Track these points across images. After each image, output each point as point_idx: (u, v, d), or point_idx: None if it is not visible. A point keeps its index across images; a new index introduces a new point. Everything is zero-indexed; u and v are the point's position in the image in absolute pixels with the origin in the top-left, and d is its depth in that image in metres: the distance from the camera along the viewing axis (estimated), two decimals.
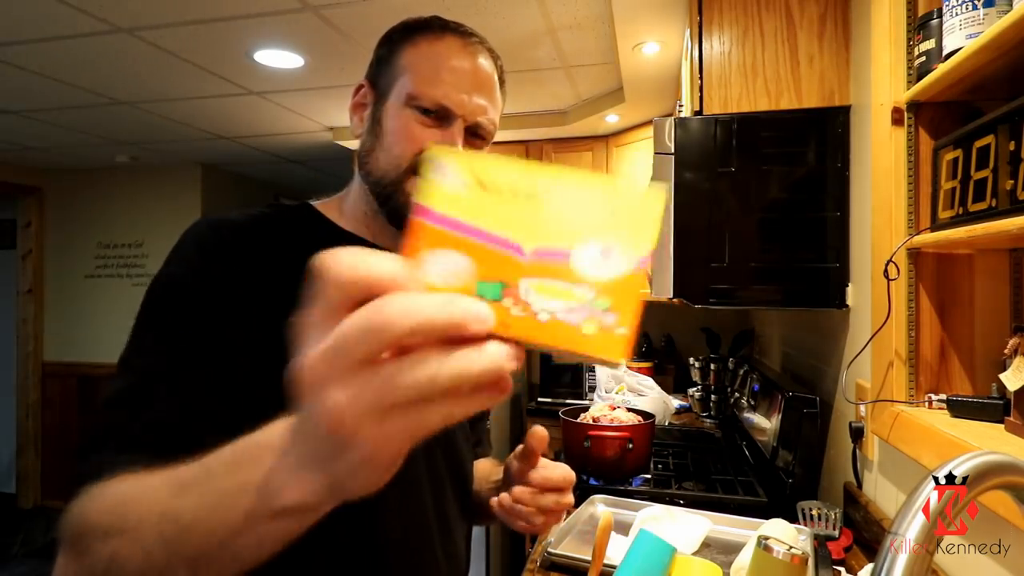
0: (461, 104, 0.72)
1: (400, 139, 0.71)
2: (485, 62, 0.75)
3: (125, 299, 4.12)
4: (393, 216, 0.74)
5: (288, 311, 0.65)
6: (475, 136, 0.75)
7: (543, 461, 0.73)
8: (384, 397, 0.28)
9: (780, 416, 1.58)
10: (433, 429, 0.30)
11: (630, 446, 1.63)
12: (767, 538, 0.92)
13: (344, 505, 0.35)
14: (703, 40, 1.51)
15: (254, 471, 0.34)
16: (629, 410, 1.80)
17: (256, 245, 0.68)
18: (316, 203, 0.79)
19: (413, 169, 0.71)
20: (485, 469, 0.93)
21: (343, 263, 0.29)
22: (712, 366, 2.67)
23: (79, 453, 0.57)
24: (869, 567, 1.01)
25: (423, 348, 0.28)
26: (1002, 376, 0.86)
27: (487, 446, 1.01)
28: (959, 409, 0.95)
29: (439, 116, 0.72)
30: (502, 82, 0.79)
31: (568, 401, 2.90)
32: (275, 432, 0.34)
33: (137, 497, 0.43)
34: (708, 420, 2.59)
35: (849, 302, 1.39)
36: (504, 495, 0.72)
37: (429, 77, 0.71)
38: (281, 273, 0.67)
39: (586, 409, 1.82)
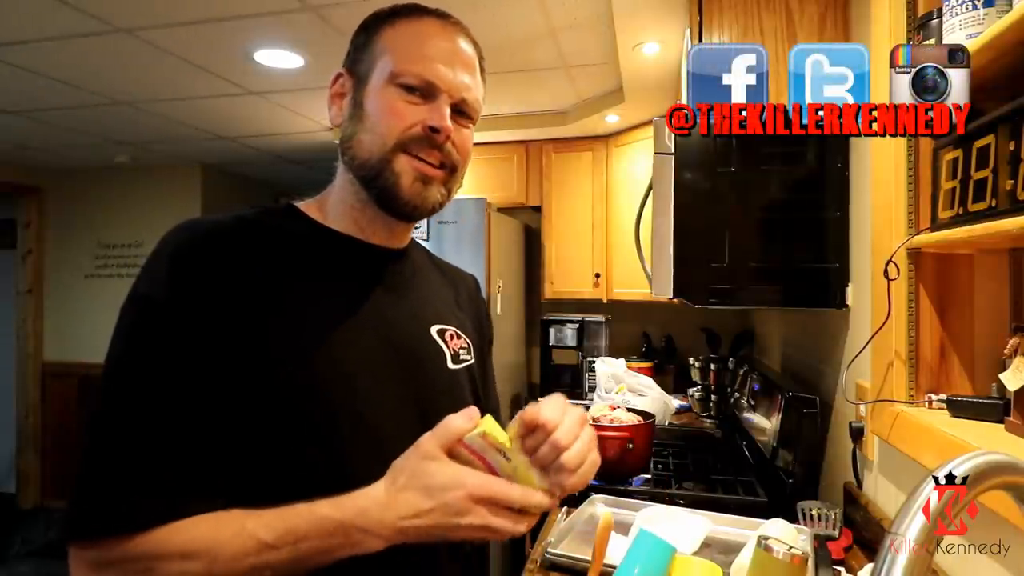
0: (445, 78, 0.70)
1: (385, 116, 0.70)
2: (465, 43, 0.75)
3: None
4: (382, 197, 0.72)
5: (280, 314, 0.65)
6: (461, 114, 0.73)
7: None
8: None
9: (780, 416, 1.58)
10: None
11: (630, 446, 1.63)
12: (767, 538, 0.91)
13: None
14: (703, 40, 1.51)
15: (346, 539, 0.56)
16: (629, 410, 1.80)
17: (241, 250, 0.67)
18: (299, 204, 0.78)
19: (401, 147, 0.70)
20: None
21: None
22: (712, 366, 2.67)
23: (93, 490, 0.57)
24: (869, 567, 1.01)
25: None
26: (1002, 376, 0.86)
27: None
28: (959, 409, 0.94)
29: (424, 92, 0.70)
30: (482, 68, 0.78)
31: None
32: (363, 515, 0.56)
33: (218, 551, 0.55)
34: (708, 420, 2.59)
35: (849, 302, 1.39)
36: None
37: (411, 54, 0.70)
38: (269, 277, 0.67)
39: (586, 409, 1.82)
